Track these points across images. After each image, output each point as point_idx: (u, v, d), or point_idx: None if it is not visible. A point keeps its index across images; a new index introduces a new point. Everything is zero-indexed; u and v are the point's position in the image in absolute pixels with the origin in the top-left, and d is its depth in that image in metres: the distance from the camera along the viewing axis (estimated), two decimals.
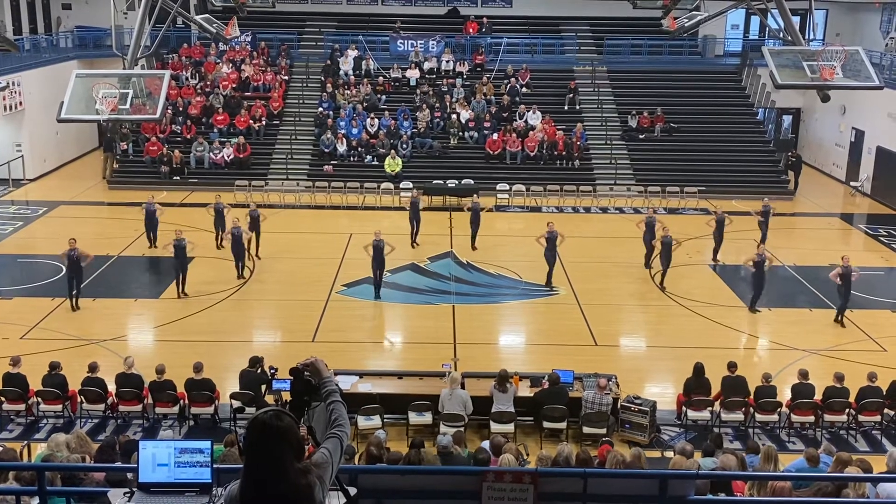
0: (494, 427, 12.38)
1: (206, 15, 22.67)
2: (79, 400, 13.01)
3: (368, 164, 27.90)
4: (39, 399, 12.95)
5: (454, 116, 28.89)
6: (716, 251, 20.78)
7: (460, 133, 28.78)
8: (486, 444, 10.63)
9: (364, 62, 31.11)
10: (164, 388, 12.95)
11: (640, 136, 29.06)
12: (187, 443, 5.18)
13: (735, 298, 18.76)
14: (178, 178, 26.85)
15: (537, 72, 31.08)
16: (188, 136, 28.40)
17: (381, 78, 30.94)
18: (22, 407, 12.93)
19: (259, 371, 13.03)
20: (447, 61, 31.29)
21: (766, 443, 11.56)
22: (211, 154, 27.63)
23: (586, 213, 25.79)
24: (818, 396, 13.05)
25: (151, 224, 21.10)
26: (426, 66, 31.13)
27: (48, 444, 9.53)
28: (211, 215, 21.17)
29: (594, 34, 32.78)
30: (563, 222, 21.95)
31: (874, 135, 27.98)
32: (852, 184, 28.90)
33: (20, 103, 26.85)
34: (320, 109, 29.37)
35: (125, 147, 28.41)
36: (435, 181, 26.31)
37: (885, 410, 13.08)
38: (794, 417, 13.05)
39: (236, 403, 12.90)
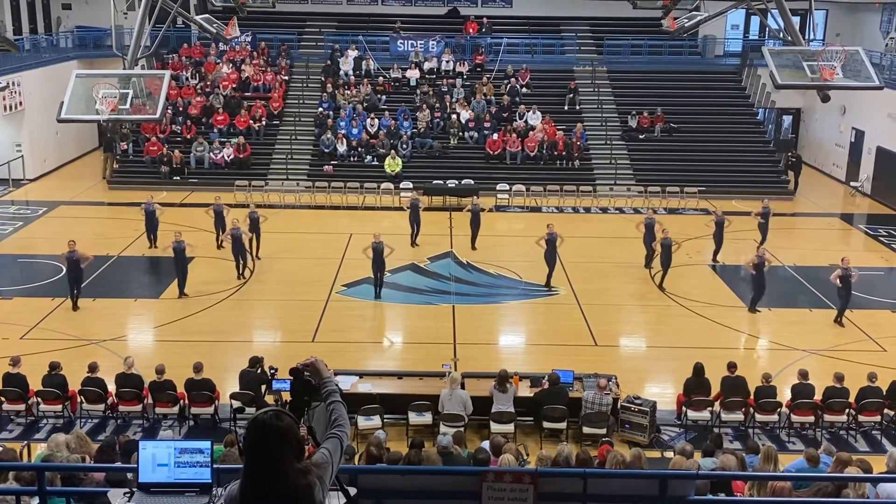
0: (494, 427, 12.38)
1: (206, 15, 22.68)
2: (79, 400, 13.01)
3: (368, 164, 27.90)
4: (39, 399, 12.94)
5: (454, 116, 28.90)
6: (716, 253, 20.76)
7: (460, 133, 28.78)
8: (485, 444, 10.63)
9: (364, 62, 31.11)
10: (164, 388, 12.95)
11: (640, 137, 29.06)
12: (187, 443, 5.18)
13: (735, 299, 18.76)
14: (178, 178, 26.86)
15: (537, 72, 31.08)
16: (188, 137, 28.41)
17: (381, 78, 30.94)
18: (22, 407, 12.93)
19: (259, 371, 13.03)
20: (447, 61, 31.29)
21: (766, 443, 11.54)
22: (211, 154, 27.63)
23: (586, 213, 25.79)
24: (818, 396, 13.05)
25: (152, 224, 21.10)
26: (426, 66, 31.14)
27: (48, 444, 9.53)
28: (210, 217, 21.17)
29: (594, 34, 32.79)
30: (563, 222, 21.97)
31: (874, 135, 27.98)
32: (852, 184, 28.90)
33: (20, 103, 26.85)
34: (320, 109, 29.38)
35: (125, 147, 28.42)
36: (435, 181, 26.31)
37: (885, 411, 13.08)
38: (794, 417, 13.05)
39: (236, 403, 12.89)
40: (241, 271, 19.34)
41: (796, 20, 17.93)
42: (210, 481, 5.10)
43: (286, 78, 30.94)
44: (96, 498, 5.66)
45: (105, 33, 30.62)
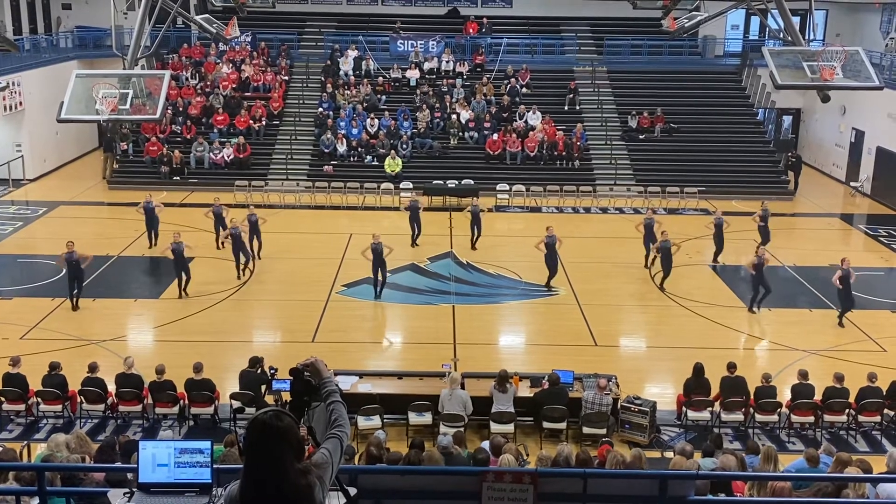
0: (494, 427, 12.38)
1: (206, 15, 22.69)
2: (79, 400, 13.01)
3: (368, 164, 27.90)
4: (39, 399, 12.94)
5: (454, 117, 28.90)
6: (717, 255, 20.72)
7: (460, 133, 28.78)
8: (485, 444, 10.63)
9: (364, 62, 31.11)
10: (163, 389, 12.95)
11: (640, 137, 29.07)
12: (187, 443, 5.18)
13: (735, 299, 18.76)
14: (178, 178, 26.86)
15: (537, 72, 31.08)
16: (188, 137, 28.41)
17: (381, 78, 30.94)
18: (22, 407, 12.93)
19: (259, 371, 13.03)
20: (447, 61, 31.29)
21: (766, 443, 11.54)
22: (211, 154, 27.63)
23: (586, 213, 25.79)
24: (818, 397, 13.05)
25: (152, 222, 21.11)
26: (426, 66, 31.14)
27: (48, 444, 9.53)
28: (210, 218, 21.17)
29: (594, 34, 32.78)
30: (563, 222, 21.99)
31: (874, 135, 27.98)
32: (852, 184, 28.90)
33: (20, 103, 26.85)
34: (320, 109, 29.38)
35: (125, 147, 28.42)
36: (435, 181, 26.32)
37: (885, 411, 13.08)
38: (794, 418, 13.05)
39: (236, 404, 12.89)
40: (241, 270, 19.33)
41: (796, 20, 17.93)
42: (210, 481, 5.10)
43: (286, 78, 30.94)
44: (96, 498, 5.66)
45: (105, 33, 30.62)
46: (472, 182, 26.38)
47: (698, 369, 13.24)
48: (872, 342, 16.51)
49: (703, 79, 31.82)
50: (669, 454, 11.51)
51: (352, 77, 30.71)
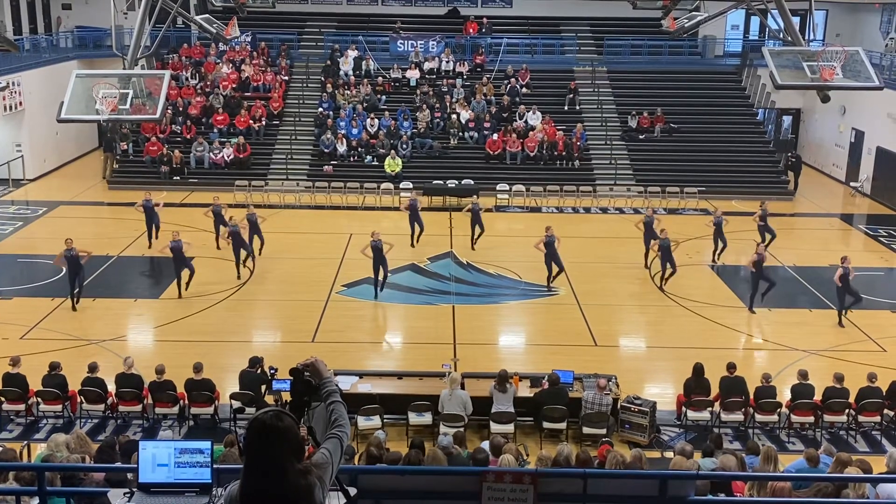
0: (494, 427, 12.37)
1: (206, 15, 22.70)
2: (79, 400, 13.00)
3: (368, 164, 27.90)
4: (39, 399, 12.94)
5: (454, 117, 28.90)
6: (720, 252, 20.69)
7: (460, 133, 28.78)
8: (485, 444, 10.63)
9: (364, 62, 31.12)
10: (163, 389, 12.95)
11: (640, 137, 29.07)
12: (187, 443, 5.19)
13: (735, 299, 18.76)
14: (178, 178, 26.86)
15: (537, 72, 31.08)
16: (188, 137, 28.41)
17: (380, 78, 30.94)
18: (22, 407, 12.92)
19: (259, 371, 13.02)
20: (447, 61, 31.29)
21: (766, 443, 11.54)
22: (211, 154, 27.63)
23: (586, 213, 25.80)
24: (818, 397, 13.05)
25: (151, 220, 21.09)
26: (426, 66, 31.14)
27: (48, 444, 9.53)
28: (210, 218, 21.17)
29: (594, 34, 32.79)
30: (562, 223, 22.00)
31: (874, 135, 27.99)
32: (852, 184, 28.90)
33: (20, 103, 26.85)
34: (320, 109, 29.38)
35: (125, 147, 28.43)
36: (435, 181, 26.33)
37: (885, 411, 13.08)
38: (794, 418, 13.05)
39: (236, 404, 12.89)
40: (244, 263, 19.37)
41: (796, 20, 17.93)
42: (210, 481, 5.10)
43: (286, 78, 30.95)
44: (96, 498, 5.66)
45: (105, 33, 30.63)
46: (472, 182, 26.38)
47: (698, 369, 13.24)
48: (872, 342, 16.51)
49: (703, 79, 31.82)
50: (669, 454, 11.51)
51: (352, 77, 30.72)
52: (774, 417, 13.05)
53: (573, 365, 13.86)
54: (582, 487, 5.10)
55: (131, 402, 12.99)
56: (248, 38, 31.80)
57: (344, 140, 28.13)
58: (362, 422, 12.30)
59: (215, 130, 28.54)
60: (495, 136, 28.25)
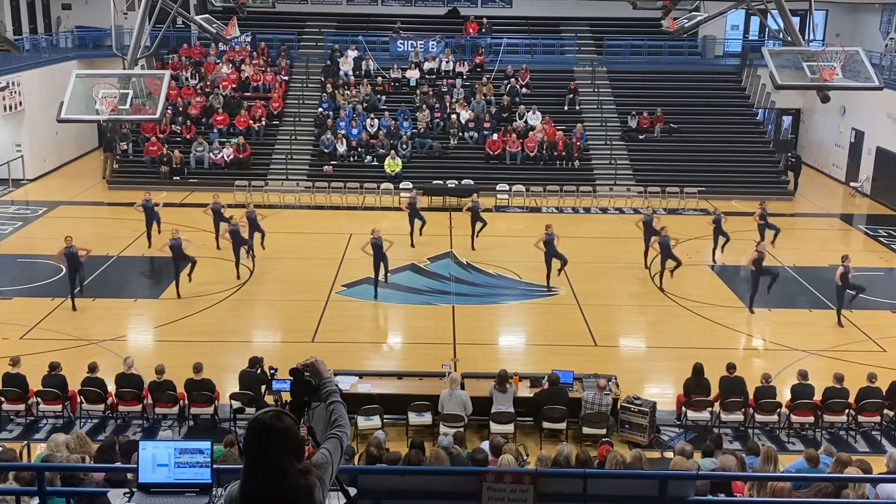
0: (494, 427, 12.38)
1: (206, 15, 22.70)
2: (78, 400, 13.00)
3: (368, 164, 27.90)
4: (39, 399, 12.94)
5: (454, 117, 28.90)
6: (723, 245, 20.66)
7: (460, 133, 28.78)
8: (485, 444, 10.63)
9: (364, 62, 31.12)
10: (163, 389, 12.95)
11: (640, 137, 29.07)
12: (187, 443, 5.19)
13: (735, 299, 18.76)
14: (177, 178, 26.86)
15: (537, 72, 31.08)
16: (188, 137, 28.41)
17: (380, 78, 30.94)
18: (22, 407, 12.92)
19: (259, 371, 13.02)
20: (447, 62, 31.29)
21: (766, 443, 11.54)
22: (211, 154, 27.63)
23: (586, 213, 25.80)
24: (818, 397, 13.05)
25: (151, 219, 21.08)
26: (426, 66, 31.14)
27: (48, 444, 9.53)
28: (209, 216, 21.18)
29: (594, 34, 32.79)
30: (562, 223, 21.98)
31: (874, 135, 27.99)
32: (852, 184, 28.91)
33: (20, 103, 26.85)
34: (320, 110, 29.38)
35: (125, 147, 28.43)
36: (435, 181, 26.33)
37: (885, 411, 13.08)
38: (794, 418, 13.05)
39: (236, 404, 12.89)
40: (248, 255, 19.48)
41: (796, 21, 17.93)
42: (210, 482, 5.10)
43: (286, 78, 30.95)
44: (96, 498, 5.66)
45: (105, 33, 30.63)
46: (471, 182, 26.38)
47: (698, 369, 13.24)
48: (872, 342, 16.52)
49: (702, 79, 31.83)
50: (669, 454, 11.51)
51: (352, 77, 30.72)
52: (774, 417, 13.05)
53: (573, 365, 13.86)
54: (582, 487, 5.10)
55: (131, 402, 12.99)
56: (248, 38, 31.80)
57: (344, 140, 28.13)
58: (362, 422, 12.31)
59: (215, 130, 28.54)
60: (495, 136, 28.26)
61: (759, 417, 13.05)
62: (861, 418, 13.07)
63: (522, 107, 29.39)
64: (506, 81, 30.43)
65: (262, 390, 12.86)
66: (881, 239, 23.70)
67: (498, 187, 26.41)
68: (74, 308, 17.39)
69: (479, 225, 21.57)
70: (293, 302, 18.38)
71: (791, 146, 32.56)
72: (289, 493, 3.40)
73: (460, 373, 13.22)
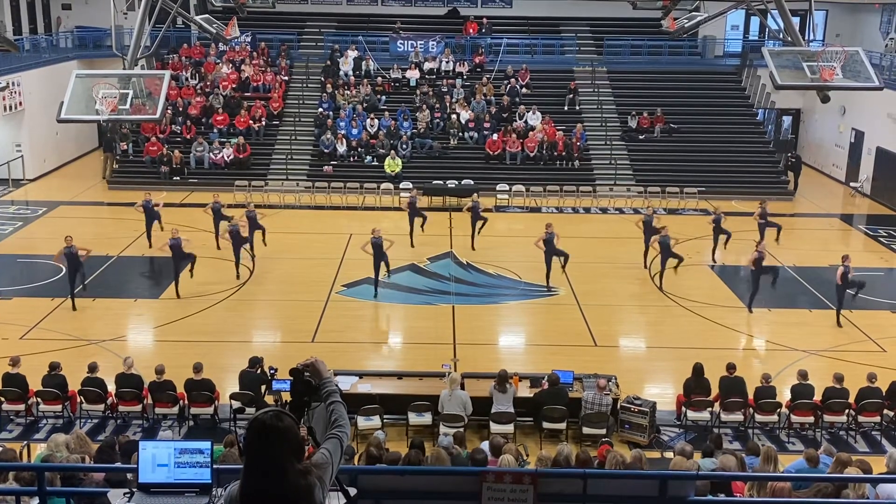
0: (494, 427, 12.37)
1: (206, 15, 22.70)
2: (78, 400, 13.00)
3: (368, 164, 27.90)
4: (39, 399, 12.94)
5: (454, 117, 28.90)
6: (725, 242, 20.68)
7: (460, 133, 28.78)
8: (485, 444, 10.63)
9: (364, 62, 31.12)
10: (163, 389, 12.95)
11: (640, 137, 29.07)
12: (187, 443, 5.19)
13: (735, 299, 18.76)
14: (177, 178, 26.86)
15: (537, 72, 31.08)
16: (188, 137, 28.41)
17: (380, 78, 30.94)
18: (21, 407, 12.93)
19: (259, 371, 13.02)
20: (447, 62, 31.29)
21: (766, 443, 11.54)
22: (211, 154, 27.63)
23: (586, 213, 25.80)
24: (818, 397, 13.05)
25: (151, 219, 21.07)
26: (426, 66, 31.14)
27: (48, 444, 9.53)
28: (209, 215, 21.18)
29: (594, 35, 32.79)
30: (562, 223, 21.97)
31: (874, 135, 27.99)
32: (852, 184, 28.91)
33: (20, 103, 26.85)
34: (320, 110, 29.38)
35: (125, 147, 28.43)
36: (435, 181, 26.32)
37: (885, 411, 13.08)
38: (794, 418, 13.05)
39: (236, 404, 12.89)
40: (250, 251, 19.56)
41: (796, 21, 17.93)
42: (210, 482, 5.10)
43: (286, 78, 30.95)
44: (96, 498, 5.66)
45: (105, 33, 30.63)
46: (471, 182, 26.37)
47: (698, 369, 13.24)
48: (872, 342, 16.52)
49: (702, 79, 31.83)
50: (669, 454, 11.51)
51: (352, 77, 30.72)
52: (774, 418, 13.05)
53: (573, 365, 13.86)
54: (582, 488, 5.10)
55: (131, 402, 12.99)
56: (248, 39, 31.80)
57: (344, 140, 28.13)
58: (362, 422, 12.31)
59: (215, 130, 28.54)
60: (495, 137, 28.26)
61: (759, 417, 13.05)
62: (861, 418, 13.07)
63: (522, 107, 29.39)
64: (506, 81, 30.42)
65: (262, 390, 12.86)
66: (881, 239, 23.70)
67: (498, 187, 26.41)
68: (74, 308, 17.39)
69: (479, 223, 21.58)
70: (293, 302, 18.38)
71: (791, 146, 32.56)
72: (289, 493, 3.40)
73: (460, 373, 13.22)
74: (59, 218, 24.04)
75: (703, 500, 6.86)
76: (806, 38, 16.14)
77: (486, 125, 28.69)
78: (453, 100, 29.78)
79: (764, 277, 17.82)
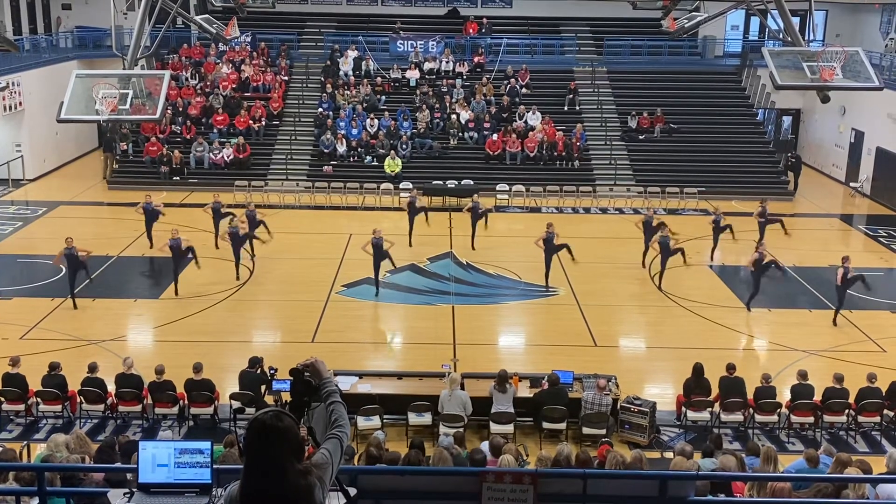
0: (494, 428, 12.38)
1: (206, 15, 22.69)
2: (78, 400, 13.00)
3: (368, 164, 27.90)
4: (39, 399, 12.94)
5: (454, 117, 28.90)
6: (733, 236, 20.69)
7: (460, 133, 28.78)
8: (485, 444, 10.63)
9: (364, 63, 31.12)
10: (163, 389, 12.95)
11: (640, 137, 29.07)
12: (187, 443, 5.19)
13: (735, 299, 18.76)
14: (177, 178, 26.86)
15: (537, 72, 31.08)
16: (188, 137, 28.41)
17: (380, 78, 30.94)
18: (21, 407, 12.92)
19: (259, 371, 13.03)
20: (447, 62, 31.29)
21: (766, 444, 11.54)
22: (211, 154, 27.63)
23: (586, 213, 25.80)
24: (818, 397, 13.05)
25: (152, 220, 21.06)
26: (426, 66, 31.14)
27: (48, 444, 9.53)
28: (209, 214, 21.18)
29: (594, 35, 32.79)
30: (562, 223, 21.95)
31: (874, 135, 27.99)
32: (852, 185, 28.91)
33: (20, 103, 26.85)
34: (320, 110, 29.38)
35: (125, 147, 28.43)
36: (435, 182, 26.32)
37: (885, 411, 13.08)
38: (794, 418, 13.05)
39: (236, 404, 12.89)
40: (251, 253, 19.62)
41: (796, 21, 17.93)
42: (210, 482, 5.10)
43: (286, 78, 30.95)
44: (96, 498, 5.66)
45: (105, 33, 30.63)
46: (471, 182, 26.38)
47: (698, 370, 13.24)
48: (872, 342, 16.51)
49: (702, 79, 31.83)
50: (669, 455, 11.51)
51: (352, 77, 30.72)
52: (774, 418, 13.05)
53: (573, 365, 13.86)
54: (582, 488, 5.10)
55: (131, 402, 12.99)
56: (248, 39, 31.80)
57: (344, 140, 28.13)
58: (362, 422, 12.31)
59: (215, 131, 28.54)
60: (495, 137, 28.26)
61: (758, 418, 13.05)
62: (861, 418, 13.07)
63: (522, 107, 29.39)
64: (506, 81, 30.42)
65: (262, 390, 12.85)
66: (881, 239, 23.70)
67: (498, 187, 26.41)
68: (75, 306, 17.39)
69: (480, 222, 21.59)
70: (293, 302, 18.38)
71: (791, 146, 32.56)
72: (289, 494, 3.40)
73: (460, 373, 13.22)
74: (59, 218, 24.05)
75: (703, 500, 6.86)
76: (806, 38, 16.14)
77: (486, 125, 28.69)
78: (453, 100, 29.79)
79: (769, 275, 17.79)
